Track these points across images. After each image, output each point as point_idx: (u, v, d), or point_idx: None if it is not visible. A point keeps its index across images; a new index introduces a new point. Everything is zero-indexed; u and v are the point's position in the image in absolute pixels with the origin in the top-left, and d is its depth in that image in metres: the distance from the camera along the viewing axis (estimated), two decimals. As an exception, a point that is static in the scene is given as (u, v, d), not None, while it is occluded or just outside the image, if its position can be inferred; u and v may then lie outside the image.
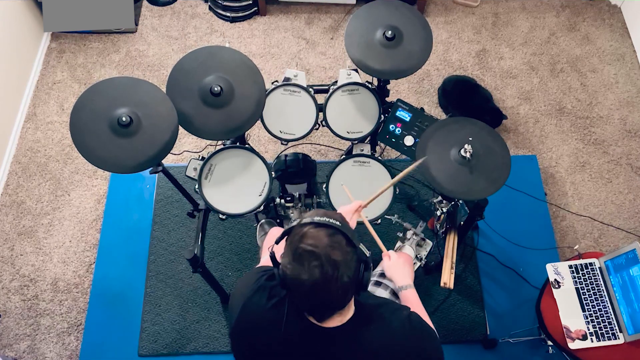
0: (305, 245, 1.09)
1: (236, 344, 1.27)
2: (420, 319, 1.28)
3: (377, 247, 1.64)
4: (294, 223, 1.17)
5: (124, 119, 1.64)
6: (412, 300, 1.49)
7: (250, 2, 3.16)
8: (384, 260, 1.62)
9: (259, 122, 1.96)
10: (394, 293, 1.70)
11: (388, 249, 1.91)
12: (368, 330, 1.19)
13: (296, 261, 1.10)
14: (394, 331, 1.21)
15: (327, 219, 1.13)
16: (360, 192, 1.99)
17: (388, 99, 2.13)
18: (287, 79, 2.04)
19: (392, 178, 2.00)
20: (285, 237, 1.16)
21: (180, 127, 1.75)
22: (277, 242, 1.19)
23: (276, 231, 1.97)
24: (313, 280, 1.07)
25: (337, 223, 1.12)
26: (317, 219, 1.13)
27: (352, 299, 1.19)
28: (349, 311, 1.19)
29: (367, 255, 1.18)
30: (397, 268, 1.58)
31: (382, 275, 1.76)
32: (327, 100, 2.04)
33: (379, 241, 1.63)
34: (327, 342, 1.17)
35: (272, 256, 1.19)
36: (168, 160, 2.75)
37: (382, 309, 1.25)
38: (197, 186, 1.94)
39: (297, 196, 2.21)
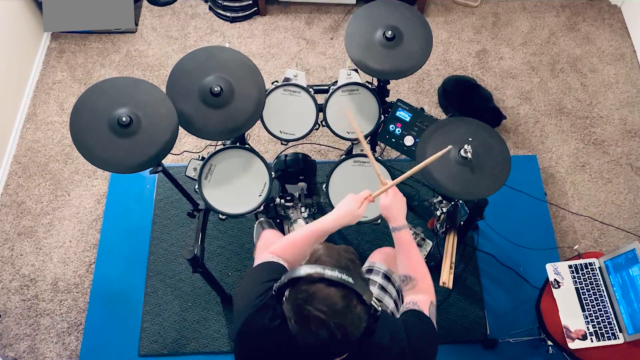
0: (314, 309, 1.02)
1: (238, 352, 1.25)
2: (418, 331, 1.24)
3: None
4: (302, 271, 1.06)
5: (124, 119, 1.64)
6: (407, 242, 1.43)
7: (250, 2, 3.16)
8: (381, 197, 1.48)
9: (259, 122, 1.96)
10: (382, 288, 1.68)
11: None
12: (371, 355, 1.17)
13: (301, 323, 1.05)
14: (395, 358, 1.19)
15: (339, 275, 1.04)
16: (360, 193, 2.00)
17: (388, 99, 2.13)
18: (287, 79, 2.04)
19: (392, 178, 2.00)
20: (290, 287, 1.08)
21: (180, 127, 1.75)
22: (278, 290, 1.11)
23: (268, 233, 1.95)
24: (317, 341, 1.04)
25: (350, 280, 1.04)
26: (328, 273, 1.04)
27: None
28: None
29: (379, 311, 1.10)
30: (396, 206, 1.46)
31: (386, 277, 1.75)
32: (327, 100, 2.04)
33: (379, 174, 1.52)
34: None
35: (277, 294, 1.13)
36: (168, 160, 2.75)
37: (380, 332, 1.19)
38: (197, 186, 1.94)
39: (297, 196, 2.21)
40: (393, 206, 1.45)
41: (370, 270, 1.76)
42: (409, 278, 1.41)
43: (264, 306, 1.19)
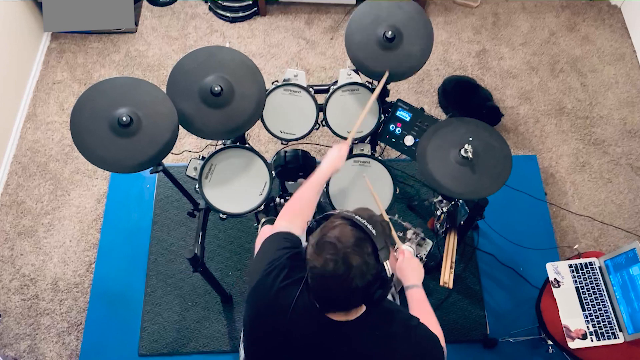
0: (331, 236, 1.10)
1: (247, 312, 1.29)
2: (427, 331, 1.26)
3: None
4: (338, 211, 1.19)
5: (124, 118, 1.64)
6: (418, 298, 1.47)
7: (250, 2, 3.16)
8: (399, 257, 1.60)
9: (259, 122, 1.97)
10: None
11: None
12: (372, 334, 1.19)
13: (317, 247, 1.12)
14: (397, 341, 1.20)
15: (366, 223, 1.12)
16: (360, 192, 2.00)
17: (388, 99, 2.13)
18: (287, 79, 2.04)
19: (392, 178, 2.00)
20: (325, 219, 1.18)
21: (180, 127, 1.75)
22: (316, 223, 1.21)
23: (268, 229, 1.95)
24: (323, 271, 1.09)
25: (373, 231, 1.12)
26: (357, 217, 1.13)
27: (361, 306, 1.19)
28: (356, 313, 1.19)
29: (389, 275, 1.15)
30: (409, 268, 1.55)
31: None
32: (327, 100, 2.04)
33: (394, 234, 1.64)
34: (329, 332, 1.17)
35: (310, 230, 1.22)
36: (168, 160, 2.75)
37: (391, 315, 1.24)
38: (197, 186, 1.94)
39: (297, 196, 2.21)
40: (406, 269, 1.55)
41: None
42: None
43: (276, 267, 1.25)
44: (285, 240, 1.36)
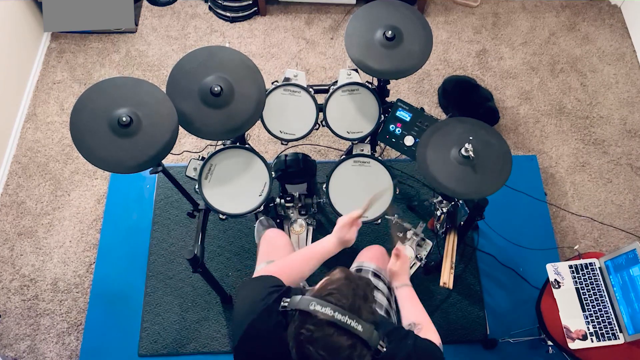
0: (314, 352, 0.99)
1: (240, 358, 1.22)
2: (425, 343, 1.24)
3: None
4: (311, 307, 1.02)
5: (124, 119, 1.64)
6: (410, 297, 1.47)
7: (250, 2, 3.16)
8: (392, 256, 1.57)
9: (259, 122, 1.96)
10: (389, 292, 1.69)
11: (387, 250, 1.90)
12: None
13: (300, 356, 1.02)
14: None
15: (348, 320, 0.99)
16: (360, 192, 2.00)
17: (388, 99, 2.13)
18: (287, 79, 2.04)
19: (392, 178, 2.00)
20: (298, 314, 1.04)
21: (180, 127, 1.75)
22: (284, 309, 1.08)
23: (272, 233, 1.95)
24: None
25: (359, 328, 1.00)
26: (338, 317, 1.00)
27: None
28: None
29: (382, 352, 1.06)
30: (402, 269, 1.55)
31: (376, 275, 1.75)
32: (327, 100, 2.04)
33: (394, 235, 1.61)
34: None
35: (284, 312, 1.09)
36: (168, 160, 2.75)
37: (387, 339, 1.16)
38: (197, 186, 1.94)
39: (297, 196, 2.21)
40: (400, 270, 1.55)
41: (359, 270, 1.77)
42: (414, 324, 1.42)
43: (267, 310, 1.15)
44: (269, 282, 1.27)
